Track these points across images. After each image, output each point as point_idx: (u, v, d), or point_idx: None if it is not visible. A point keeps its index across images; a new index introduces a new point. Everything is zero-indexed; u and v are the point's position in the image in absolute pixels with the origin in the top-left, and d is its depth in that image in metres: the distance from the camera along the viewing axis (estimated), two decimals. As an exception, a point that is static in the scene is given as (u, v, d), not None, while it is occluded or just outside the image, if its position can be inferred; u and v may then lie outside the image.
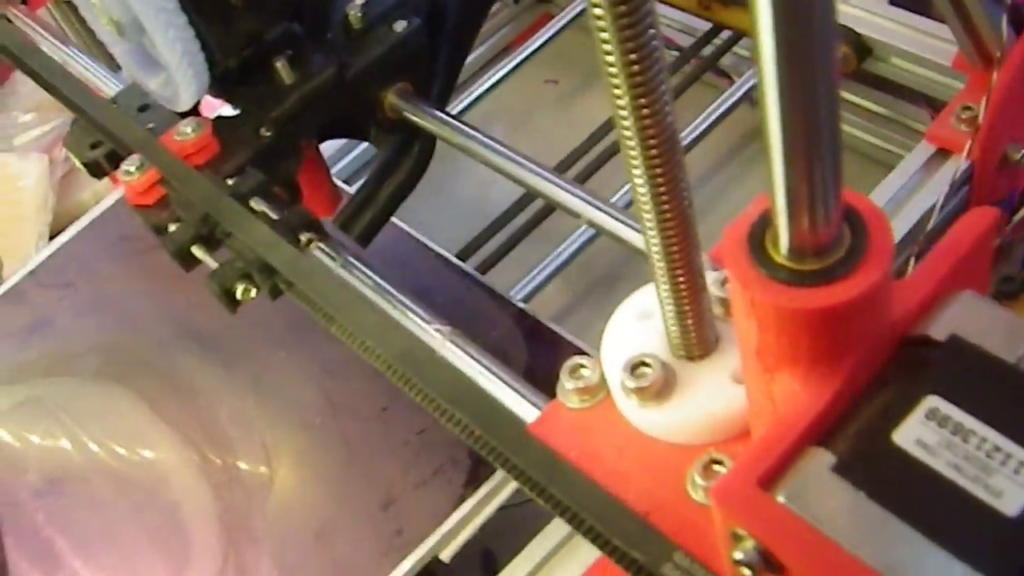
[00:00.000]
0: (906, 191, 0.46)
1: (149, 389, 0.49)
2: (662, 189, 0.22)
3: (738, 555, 0.21)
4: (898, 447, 0.20)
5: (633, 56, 0.19)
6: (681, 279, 0.25)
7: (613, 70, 0.19)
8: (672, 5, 0.59)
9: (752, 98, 0.53)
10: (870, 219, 0.20)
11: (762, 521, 0.20)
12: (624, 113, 0.20)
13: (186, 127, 0.42)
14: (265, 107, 0.42)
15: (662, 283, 0.25)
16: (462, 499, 0.41)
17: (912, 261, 0.43)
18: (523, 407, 0.31)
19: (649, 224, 0.23)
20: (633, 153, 0.21)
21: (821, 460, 0.21)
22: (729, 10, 0.57)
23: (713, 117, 0.53)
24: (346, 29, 0.41)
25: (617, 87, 0.20)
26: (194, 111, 0.42)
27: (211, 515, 0.44)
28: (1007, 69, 0.43)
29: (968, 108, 0.46)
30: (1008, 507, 0.19)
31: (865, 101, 0.57)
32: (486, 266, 0.54)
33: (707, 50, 0.60)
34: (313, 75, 0.41)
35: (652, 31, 0.19)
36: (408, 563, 0.40)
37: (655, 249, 0.24)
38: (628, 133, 0.21)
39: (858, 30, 0.52)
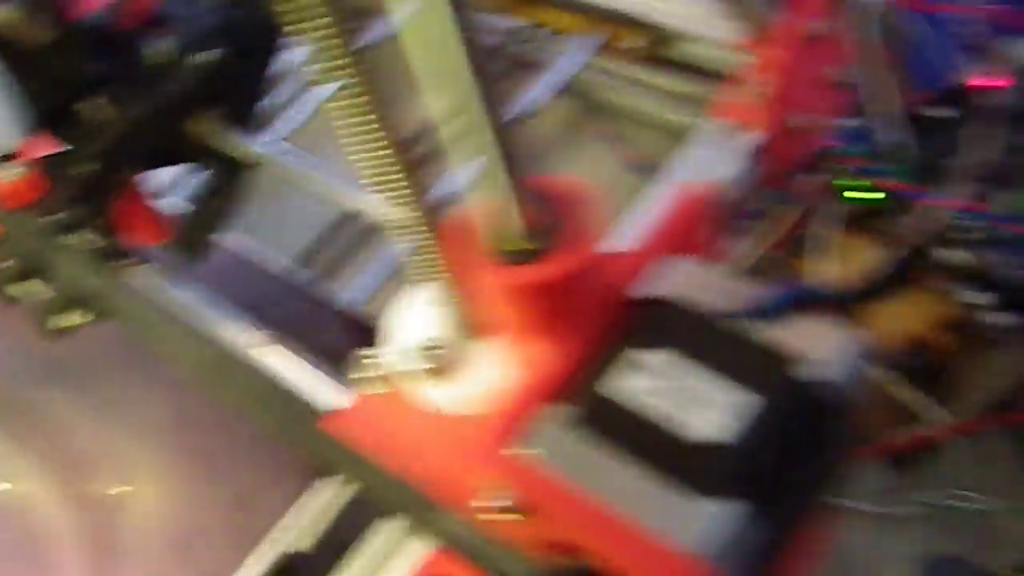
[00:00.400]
0: (700, 164, 0.50)
1: (7, 422, 0.50)
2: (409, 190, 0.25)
3: (491, 502, 0.24)
4: (610, 395, 0.24)
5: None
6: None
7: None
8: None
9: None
10: (569, 203, 0.23)
11: (504, 471, 0.23)
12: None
13: (11, 168, 0.44)
14: (87, 144, 0.43)
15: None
16: (314, 493, 0.44)
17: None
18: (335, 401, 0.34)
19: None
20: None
21: (554, 415, 0.24)
22: (541, 9, 0.61)
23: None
24: (157, 64, 0.44)
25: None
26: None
27: (76, 537, 0.46)
28: (780, 44, 0.47)
29: (754, 83, 0.49)
30: (694, 433, 0.23)
31: (671, 83, 0.61)
32: (325, 271, 0.56)
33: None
34: (129, 110, 0.43)
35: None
36: (266, 557, 0.43)
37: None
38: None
39: (655, 18, 0.55)
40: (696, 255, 0.27)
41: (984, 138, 0.44)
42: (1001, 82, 0.45)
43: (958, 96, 0.45)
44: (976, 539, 0.44)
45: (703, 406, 0.23)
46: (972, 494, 0.43)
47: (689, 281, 0.26)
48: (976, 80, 0.45)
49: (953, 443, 0.43)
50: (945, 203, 0.36)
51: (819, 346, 0.25)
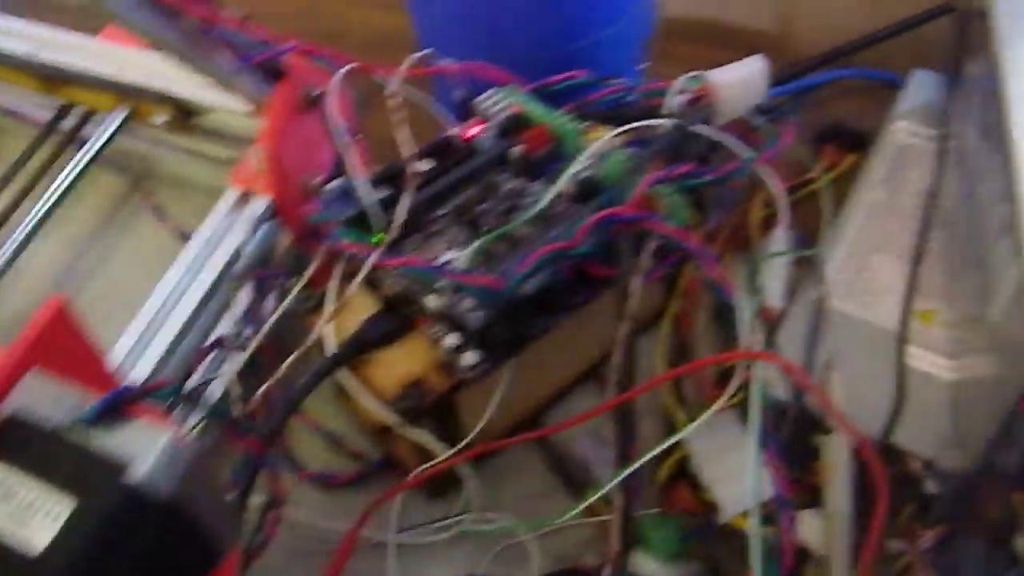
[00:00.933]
0: (219, 233, 0.51)
1: None
2: None
3: None
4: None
5: None
6: None
7: None
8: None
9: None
10: None
11: None
12: None
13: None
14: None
15: None
16: None
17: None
18: None
19: None
20: None
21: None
22: (72, 88, 0.59)
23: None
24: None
25: None
26: None
27: None
28: (271, 113, 0.49)
29: (259, 149, 0.51)
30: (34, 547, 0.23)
31: (211, 149, 0.61)
32: None
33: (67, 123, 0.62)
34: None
35: None
36: None
37: None
38: None
39: (183, 95, 0.56)
40: (60, 363, 0.28)
41: (459, 187, 0.48)
42: (476, 130, 0.49)
43: (441, 149, 0.49)
44: (505, 556, 0.48)
45: (35, 518, 0.24)
46: (493, 515, 0.46)
47: (34, 393, 0.26)
48: (456, 131, 0.49)
49: (469, 469, 0.46)
50: (404, 261, 0.39)
51: (142, 448, 0.26)
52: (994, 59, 0.44)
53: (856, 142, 0.56)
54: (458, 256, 0.44)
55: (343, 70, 0.43)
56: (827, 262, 0.49)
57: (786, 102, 0.54)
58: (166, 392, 0.28)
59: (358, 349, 0.44)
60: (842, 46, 0.62)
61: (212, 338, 0.50)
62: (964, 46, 0.51)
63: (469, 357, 0.41)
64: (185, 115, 0.56)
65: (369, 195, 0.43)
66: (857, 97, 0.62)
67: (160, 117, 0.56)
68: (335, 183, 0.45)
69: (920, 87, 0.57)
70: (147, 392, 0.28)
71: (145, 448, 0.26)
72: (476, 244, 0.42)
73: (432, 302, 0.42)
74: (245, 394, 0.47)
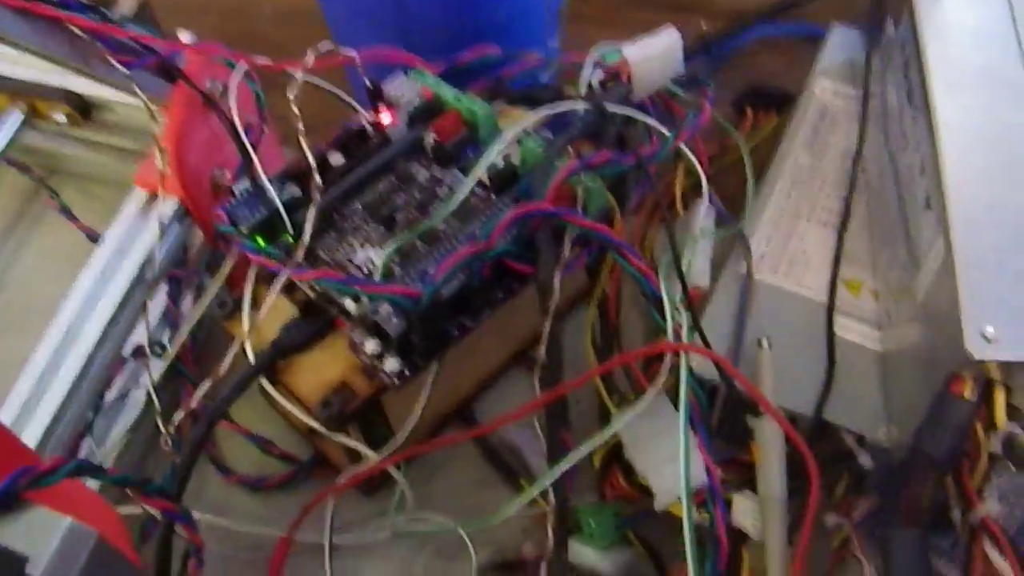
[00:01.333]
0: (128, 239, 0.48)
1: None
2: None
3: None
4: None
5: None
6: None
7: None
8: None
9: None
10: None
11: None
12: None
13: None
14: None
15: None
16: None
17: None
18: None
19: None
20: None
21: None
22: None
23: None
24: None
25: None
26: None
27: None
28: (171, 113, 0.47)
29: (162, 148, 0.49)
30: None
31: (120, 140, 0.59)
32: None
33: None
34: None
35: None
36: None
37: None
38: None
39: (81, 91, 0.53)
40: None
41: (372, 180, 0.46)
42: (387, 118, 0.47)
43: (352, 139, 0.47)
44: (443, 551, 0.47)
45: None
46: (427, 514, 0.46)
47: None
48: (366, 120, 0.47)
49: (400, 471, 0.45)
50: (317, 274, 0.38)
51: (41, 540, 0.25)
52: (914, 22, 0.43)
53: (778, 101, 0.55)
54: (374, 257, 0.43)
55: (240, 70, 0.41)
56: (752, 233, 0.48)
57: (702, 67, 0.52)
58: (69, 468, 0.26)
59: (277, 356, 0.43)
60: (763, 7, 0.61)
61: (129, 347, 0.49)
62: (883, 5, 0.50)
63: (390, 364, 0.40)
64: (85, 111, 0.53)
65: (276, 197, 0.41)
66: (780, 53, 0.61)
67: (59, 114, 0.53)
68: (243, 184, 0.43)
69: (840, 43, 0.56)
70: (51, 472, 0.27)
71: (44, 540, 0.25)
72: (390, 247, 0.40)
73: (351, 306, 0.41)
74: (166, 409, 0.46)
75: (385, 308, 0.40)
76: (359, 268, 0.43)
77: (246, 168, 0.42)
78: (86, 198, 0.60)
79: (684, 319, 0.41)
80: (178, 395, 0.51)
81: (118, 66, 0.40)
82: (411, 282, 0.41)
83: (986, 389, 0.37)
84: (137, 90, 0.43)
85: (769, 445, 0.41)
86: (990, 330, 0.35)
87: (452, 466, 0.50)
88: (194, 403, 0.41)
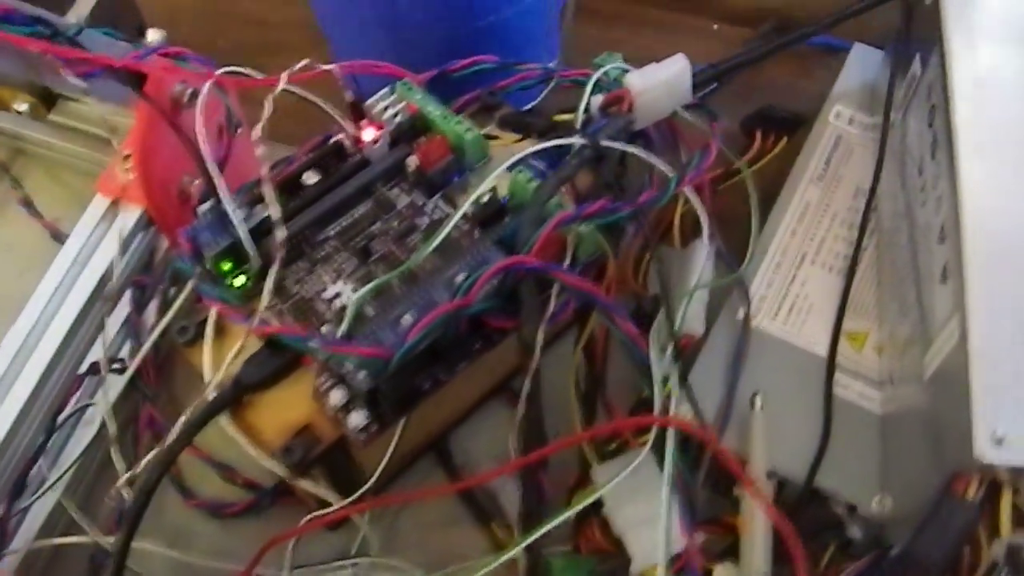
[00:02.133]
0: (90, 246, 0.45)
1: None
2: None
3: None
4: None
5: None
6: None
7: None
8: None
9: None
10: None
11: None
12: None
13: None
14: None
15: None
16: None
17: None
18: None
19: None
20: None
21: None
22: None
23: None
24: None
25: None
26: None
27: None
28: (136, 120, 0.43)
29: (125, 152, 0.45)
30: None
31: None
32: None
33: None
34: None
35: None
36: None
37: None
38: None
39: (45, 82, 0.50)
40: None
41: (349, 204, 0.43)
42: (370, 135, 0.43)
43: (330, 156, 0.43)
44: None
45: None
46: (392, 562, 0.44)
47: None
48: (346, 135, 0.44)
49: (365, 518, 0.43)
50: (277, 329, 0.35)
51: None
52: (944, 66, 0.40)
53: (790, 125, 0.52)
54: (345, 296, 0.40)
55: (209, 82, 0.37)
56: (752, 274, 0.45)
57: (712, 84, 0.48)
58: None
59: (238, 394, 0.40)
60: (783, 28, 0.57)
61: (86, 364, 0.46)
62: (910, 36, 0.46)
63: (355, 418, 0.37)
64: (49, 101, 0.50)
65: (240, 226, 0.38)
66: (797, 65, 0.57)
67: (22, 104, 0.49)
68: (207, 205, 0.40)
69: (862, 64, 0.52)
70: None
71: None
72: (362, 292, 0.37)
73: (317, 349, 0.38)
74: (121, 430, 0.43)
75: (351, 361, 0.37)
76: (328, 305, 0.40)
77: (209, 190, 0.38)
78: (54, 184, 0.57)
79: (673, 375, 0.38)
80: (137, 409, 0.49)
81: (71, 79, 0.37)
82: (382, 331, 0.38)
83: (992, 491, 0.34)
84: (92, 101, 0.40)
85: (754, 520, 0.39)
86: (1003, 431, 0.33)
87: (422, 502, 0.48)
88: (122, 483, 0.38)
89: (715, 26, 0.58)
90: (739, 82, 0.54)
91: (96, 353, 0.46)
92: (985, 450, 0.33)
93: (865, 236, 0.47)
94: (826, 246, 0.47)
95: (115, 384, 0.46)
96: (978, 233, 0.36)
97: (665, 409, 0.37)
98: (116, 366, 0.46)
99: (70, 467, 0.44)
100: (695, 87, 0.44)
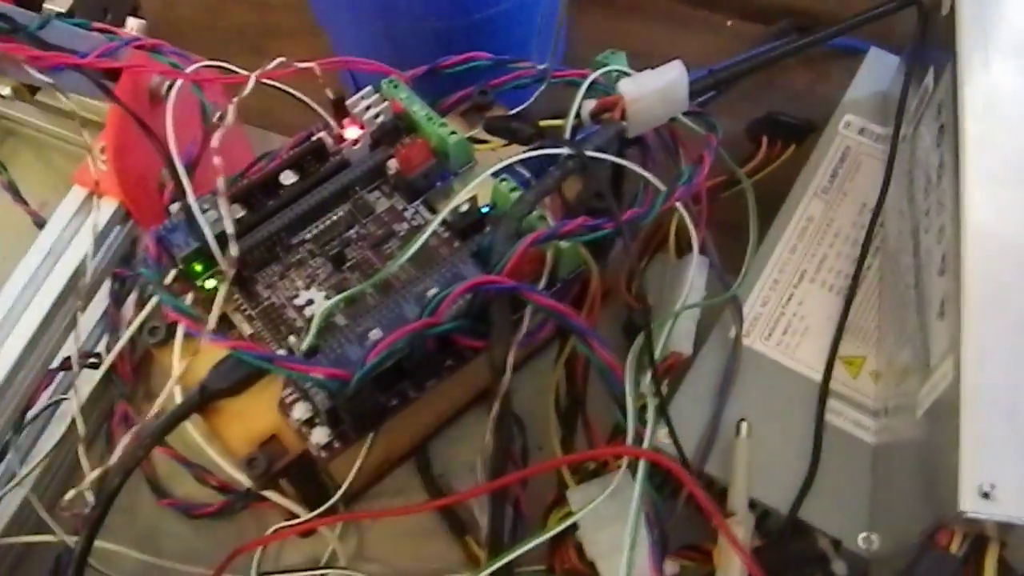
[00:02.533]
0: (64, 239, 0.44)
1: None
2: None
3: None
4: None
5: None
6: None
7: None
8: None
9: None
10: None
11: None
12: None
13: None
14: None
15: None
16: None
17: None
18: None
19: None
20: None
21: None
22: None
23: None
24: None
25: None
26: None
27: None
28: (111, 114, 0.42)
29: (100, 146, 0.44)
30: None
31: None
32: None
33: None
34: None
35: None
36: None
37: None
38: None
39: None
40: None
41: (327, 207, 0.41)
42: (355, 134, 0.42)
43: (309, 155, 0.42)
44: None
45: None
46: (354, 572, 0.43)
47: None
48: (325, 134, 0.42)
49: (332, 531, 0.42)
50: (233, 344, 0.33)
51: None
52: (956, 84, 0.37)
53: (798, 132, 0.49)
54: (316, 304, 0.38)
55: (178, 82, 0.36)
56: (748, 291, 0.43)
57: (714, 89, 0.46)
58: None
59: (203, 401, 0.39)
60: (800, 26, 0.54)
61: (59, 359, 0.45)
62: (926, 40, 0.44)
63: (318, 435, 0.36)
64: (32, 86, 0.49)
65: (207, 230, 0.37)
66: (810, 67, 0.55)
67: (4, 88, 0.48)
68: (179, 205, 0.39)
69: (877, 70, 0.50)
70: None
71: None
72: (332, 302, 0.36)
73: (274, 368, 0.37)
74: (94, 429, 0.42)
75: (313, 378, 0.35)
76: (299, 312, 0.39)
77: (178, 192, 0.37)
78: (44, 166, 0.56)
79: (651, 404, 0.37)
80: (112, 404, 0.48)
81: (36, 75, 0.35)
82: (349, 345, 0.36)
83: (977, 544, 0.32)
84: (61, 96, 0.38)
85: (729, 560, 0.37)
86: (992, 483, 0.31)
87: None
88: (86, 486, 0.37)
89: (729, 22, 0.56)
90: (751, 83, 0.52)
91: (71, 347, 0.44)
92: (970, 503, 0.31)
93: (868, 255, 0.44)
94: (827, 264, 0.45)
95: (88, 380, 0.45)
96: (979, 271, 0.34)
97: (639, 438, 0.35)
98: (93, 360, 0.45)
99: (37, 465, 0.43)
100: (694, 94, 0.42)
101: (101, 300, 0.47)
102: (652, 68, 0.39)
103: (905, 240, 0.42)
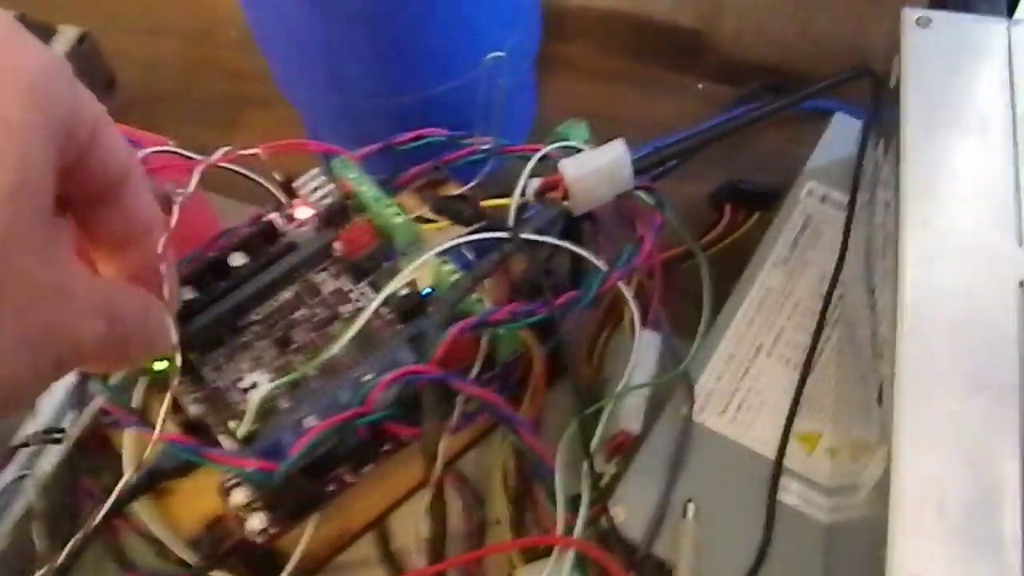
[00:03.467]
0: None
1: None
2: None
3: None
4: None
5: None
6: None
7: None
8: None
9: None
10: None
11: None
12: None
13: None
14: None
15: None
16: None
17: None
18: None
19: None
20: None
21: None
22: None
23: None
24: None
25: None
26: None
27: None
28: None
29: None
30: None
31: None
32: None
33: None
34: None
35: None
36: None
37: None
38: None
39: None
40: None
41: (274, 289, 0.42)
42: (307, 214, 0.42)
43: (259, 237, 0.42)
44: None
45: None
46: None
47: None
48: (275, 215, 0.43)
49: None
50: (170, 437, 0.34)
51: None
52: (898, 157, 0.37)
53: (762, 200, 0.49)
54: (258, 387, 0.39)
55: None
56: (701, 367, 0.43)
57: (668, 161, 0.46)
58: None
59: (151, 482, 0.39)
60: (772, 88, 0.54)
61: (20, 437, 0.45)
62: (879, 111, 0.43)
63: (254, 521, 0.36)
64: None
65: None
66: (781, 128, 0.54)
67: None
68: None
69: (841, 134, 0.49)
70: None
71: None
72: (271, 385, 0.36)
73: (226, 443, 0.37)
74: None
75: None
76: (243, 395, 0.39)
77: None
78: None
79: (585, 491, 0.36)
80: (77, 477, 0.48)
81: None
82: (284, 433, 0.36)
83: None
84: None
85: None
86: (917, 577, 0.30)
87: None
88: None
89: (700, 85, 0.56)
90: (719, 146, 0.51)
91: (34, 424, 0.45)
92: (898, 601, 0.30)
93: (827, 327, 0.44)
94: (784, 337, 0.44)
95: (50, 455, 0.45)
96: (913, 357, 0.33)
97: (570, 528, 0.35)
98: (58, 435, 0.46)
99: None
100: (641, 171, 0.41)
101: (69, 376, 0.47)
102: (623, 134, 0.39)
103: (862, 312, 0.41)
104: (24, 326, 0.19)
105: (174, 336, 0.34)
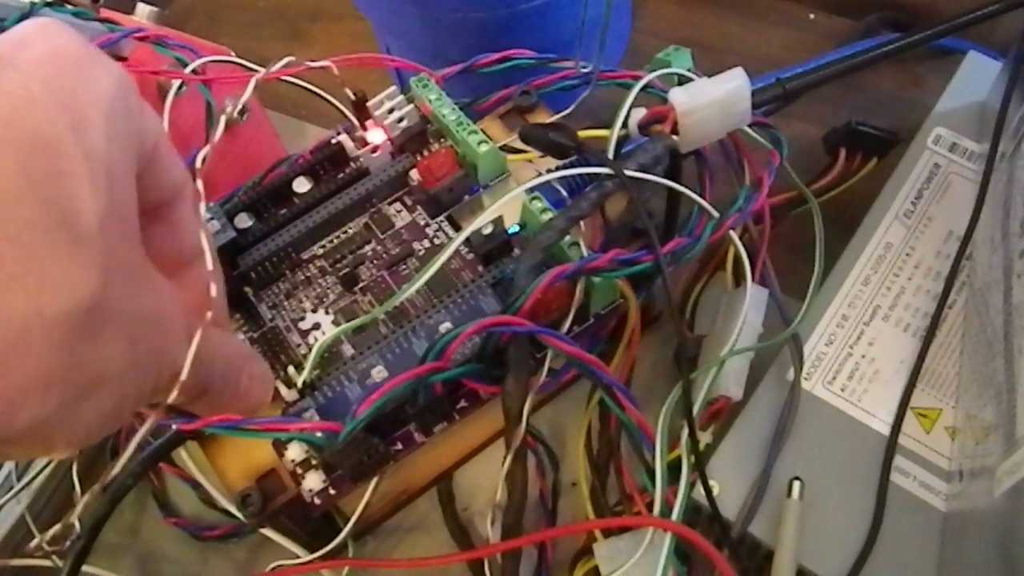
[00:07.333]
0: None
1: None
2: None
3: None
4: None
5: None
6: None
7: None
8: None
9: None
10: None
11: None
12: None
13: None
14: None
15: None
16: None
17: None
18: None
19: None
20: None
21: None
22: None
23: None
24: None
25: None
26: None
27: None
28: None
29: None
30: None
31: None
32: None
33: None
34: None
35: None
36: None
37: None
38: None
39: None
40: None
41: (342, 219, 0.38)
42: (380, 138, 0.38)
43: (326, 161, 0.38)
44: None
45: None
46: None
47: None
48: (345, 138, 0.38)
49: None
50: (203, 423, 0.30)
51: None
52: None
53: (881, 146, 0.44)
54: (322, 329, 0.35)
55: (176, 83, 0.32)
56: (810, 328, 0.38)
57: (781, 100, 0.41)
58: None
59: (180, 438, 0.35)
60: (892, 22, 0.48)
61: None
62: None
63: (311, 480, 0.32)
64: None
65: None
66: (903, 70, 0.49)
67: None
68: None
69: (975, 76, 0.44)
70: None
71: None
72: (339, 329, 0.32)
73: (285, 392, 0.33)
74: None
75: (310, 415, 0.32)
76: (304, 338, 0.35)
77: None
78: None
79: (685, 470, 0.32)
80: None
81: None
82: (350, 384, 0.32)
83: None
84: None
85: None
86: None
87: (418, 542, 0.43)
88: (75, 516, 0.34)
89: (812, 15, 0.50)
90: (832, 84, 0.46)
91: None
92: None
93: (952, 292, 0.39)
94: (903, 299, 0.39)
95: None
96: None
97: (668, 508, 0.31)
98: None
99: (32, 479, 0.40)
100: (759, 104, 0.36)
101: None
102: (725, 67, 0.34)
103: (996, 277, 0.37)
104: (136, 353, 0.19)
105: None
